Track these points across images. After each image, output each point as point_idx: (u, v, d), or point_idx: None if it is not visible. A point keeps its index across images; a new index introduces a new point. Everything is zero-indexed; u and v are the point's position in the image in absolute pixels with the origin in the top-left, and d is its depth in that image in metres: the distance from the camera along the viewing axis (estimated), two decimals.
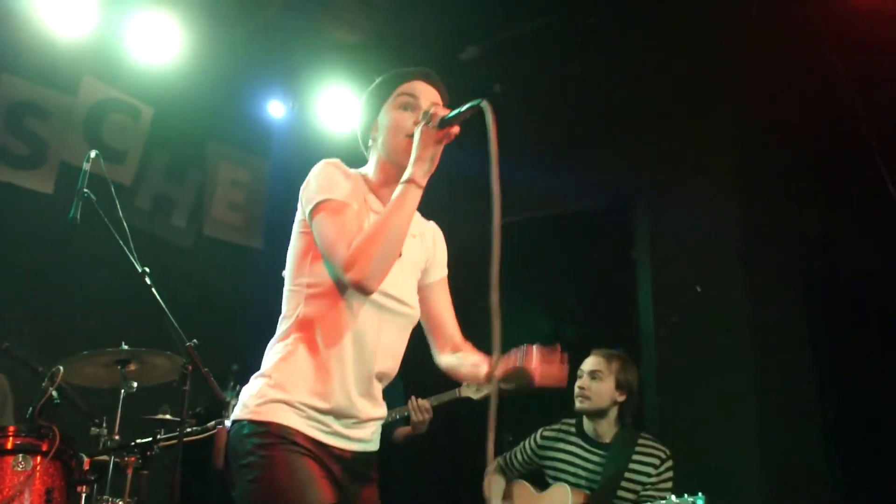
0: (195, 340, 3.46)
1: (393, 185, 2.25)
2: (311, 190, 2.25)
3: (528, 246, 5.94)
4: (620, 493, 3.88)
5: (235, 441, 2.20)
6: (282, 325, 2.30)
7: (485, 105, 2.11)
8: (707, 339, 4.98)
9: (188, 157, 6.09)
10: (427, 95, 2.36)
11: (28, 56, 5.10)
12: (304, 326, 2.24)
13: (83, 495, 3.61)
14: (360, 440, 2.30)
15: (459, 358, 2.46)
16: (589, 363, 4.11)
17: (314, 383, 2.20)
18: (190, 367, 3.37)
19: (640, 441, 4.00)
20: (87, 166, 3.79)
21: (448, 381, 4.49)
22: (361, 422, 2.29)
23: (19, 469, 3.44)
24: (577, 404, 4.08)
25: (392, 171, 2.32)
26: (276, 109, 6.16)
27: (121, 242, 3.60)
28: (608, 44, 5.35)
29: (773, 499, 4.53)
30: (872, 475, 4.39)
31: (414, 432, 4.52)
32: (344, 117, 5.97)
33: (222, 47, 5.52)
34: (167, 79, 5.42)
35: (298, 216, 2.32)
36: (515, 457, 4.30)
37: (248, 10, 5.40)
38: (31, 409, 3.52)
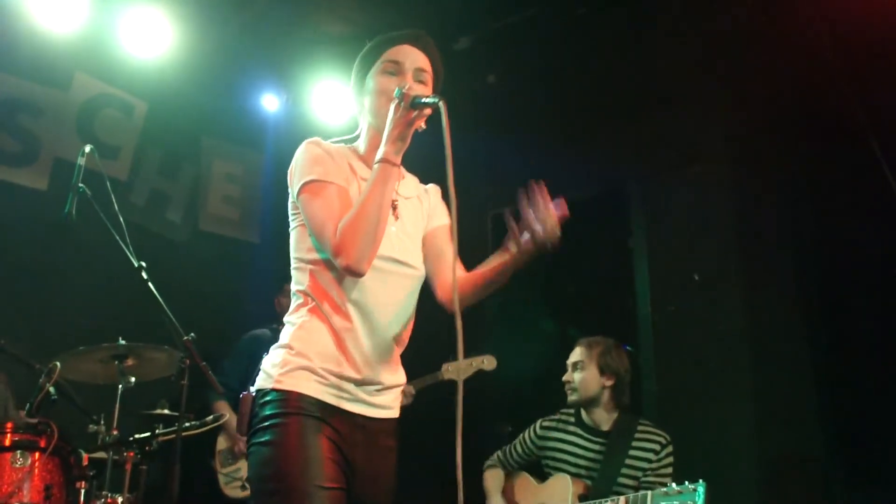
0: (192, 334, 3.46)
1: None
2: (295, 173, 2.31)
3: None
4: (621, 479, 3.88)
5: (256, 408, 2.24)
6: (294, 299, 2.36)
7: (441, 105, 2.15)
8: (704, 327, 4.99)
9: (182, 152, 6.07)
10: (413, 59, 2.38)
11: (19, 52, 5.07)
12: (314, 298, 2.29)
13: (82, 491, 3.62)
14: (382, 406, 2.34)
15: (468, 283, 2.45)
16: (572, 355, 4.18)
17: (334, 351, 2.25)
18: (187, 362, 3.37)
19: (640, 427, 4.00)
20: (81, 161, 3.79)
21: (426, 364, 4.54)
22: (384, 388, 2.33)
23: (18, 465, 3.44)
24: (569, 397, 4.13)
25: (379, 137, 2.29)
26: (269, 103, 6.15)
27: (117, 238, 3.59)
28: (601, 32, 5.34)
29: (769, 486, 4.55)
30: (869, 460, 4.40)
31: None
32: (338, 110, 5.97)
33: (215, 41, 5.51)
34: (160, 73, 5.40)
35: (290, 198, 2.37)
36: (515, 449, 4.30)
37: (240, 4, 5.38)
38: (28, 405, 3.52)
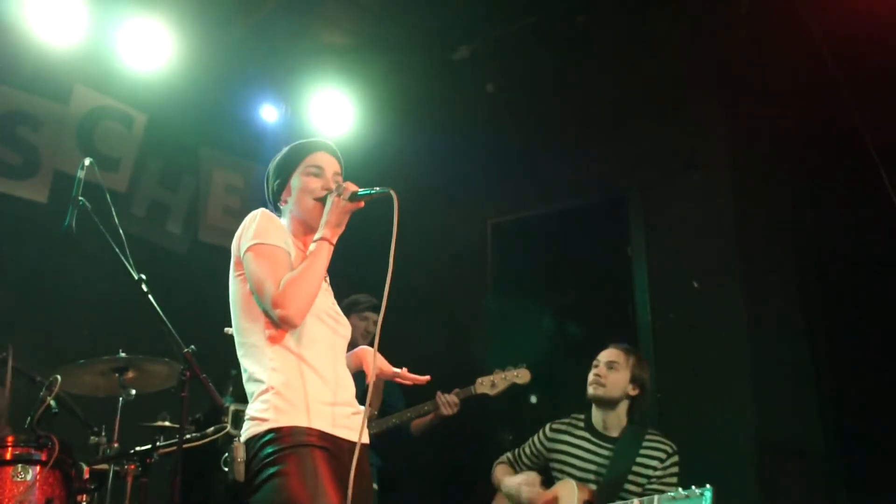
0: (193, 346, 3.45)
1: (303, 237, 2.72)
2: (247, 232, 2.58)
3: (523, 243, 5.95)
4: (627, 486, 3.89)
5: (255, 452, 2.41)
6: (251, 355, 2.58)
7: (393, 194, 2.54)
8: (704, 334, 4.98)
9: (182, 164, 6.07)
10: (329, 166, 2.77)
11: (18, 65, 5.08)
12: (278, 343, 2.54)
13: None
14: (356, 429, 2.54)
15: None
16: (606, 354, 4.16)
17: (316, 381, 2.52)
18: (188, 374, 3.36)
19: (648, 436, 4.03)
20: (81, 174, 3.78)
21: (455, 377, 4.54)
22: (355, 412, 2.60)
23: (19, 479, 3.43)
24: (591, 391, 4.10)
25: (302, 226, 2.74)
26: (268, 114, 6.15)
27: (116, 250, 3.58)
28: (600, 40, 5.35)
29: (771, 489, 4.54)
30: (870, 461, 4.39)
31: (435, 420, 4.57)
32: (337, 120, 5.98)
33: (214, 52, 5.52)
34: (159, 85, 5.41)
35: (232, 258, 2.65)
36: (524, 451, 4.32)
37: (239, 15, 5.39)
38: (29, 418, 3.51)
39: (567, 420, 4.25)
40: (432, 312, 5.71)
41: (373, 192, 2.60)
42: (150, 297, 3.52)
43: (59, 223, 3.68)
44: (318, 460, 2.37)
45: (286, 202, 2.79)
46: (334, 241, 2.61)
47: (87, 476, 3.65)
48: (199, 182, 6.18)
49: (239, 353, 2.63)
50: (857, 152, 4.44)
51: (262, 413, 2.45)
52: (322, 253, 2.56)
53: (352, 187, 2.63)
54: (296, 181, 2.76)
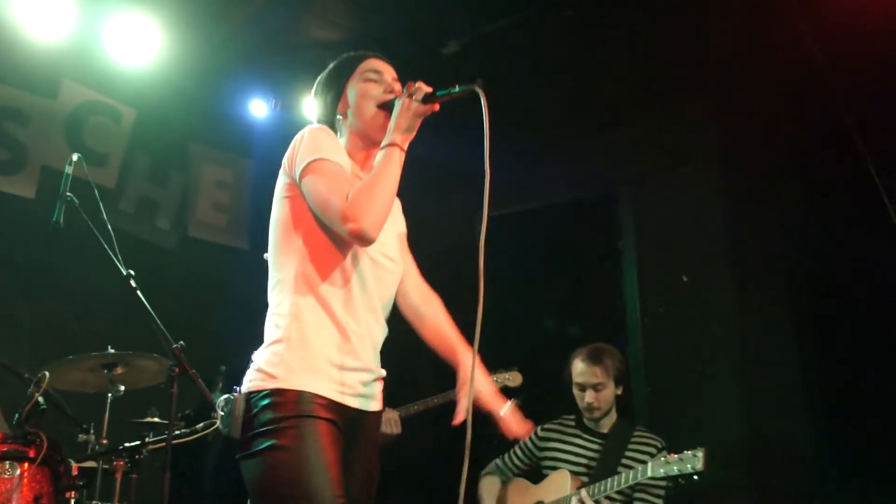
0: (182, 342, 3.43)
1: (363, 154, 2.46)
2: (301, 152, 2.30)
3: (513, 239, 5.94)
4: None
5: (255, 411, 2.18)
6: (279, 291, 2.32)
7: (479, 91, 2.27)
8: (694, 329, 5.00)
9: (171, 159, 6.05)
10: (389, 71, 2.53)
11: (6, 60, 5.05)
12: (308, 286, 2.27)
13: (72, 501, 3.59)
14: (374, 398, 2.36)
15: (428, 319, 2.60)
16: (588, 375, 4.10)
17: (336, 337, 2.25)
18: (177, 370, 3.35)
19: (636, 432, 4.11)
20: (69, 170, 3.77)
21: (436, 384, 4.53)
22: (375, 378, 2.37)
23: (6, 476, 3.41)
24: (588, 416, 4.15)
25: (362, 142, 2.47)
26: (258, 109, 6.13)
27: (105, 246, 3.57)
28: (589, 36, 5.35)
29: (761, 484, 4.56)
30: (859, 457, 4.41)
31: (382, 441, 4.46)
32: None
33: (203, 47, 5.49)
34: (148, 80, 5.38)
35: (282, 181, 2.38)
36: (515, 455, 4.33)
37: (228, 9, 5.36)
38: (17, 415, 3.50)
39: (557, 422, 4.29)
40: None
41: (454, 90, 2.33)
42: (138, 292, 3.51)
43: (47, 219, 3.66)
44: (322, 436, 2.13)
45: (344, 115, 2.50)
46: (405, 148, 2.32)
47: (75, 473, 3.63)
48: (188, 178, 6.16)
49: (269, 284, 2.37)
50: (846, 148, 4.45)
51: (270, 368, 2.21)
52: (394, 159, 2.27)
53: (425, 87, 2.35)
54: (353, 90, 2.49)
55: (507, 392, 4.43)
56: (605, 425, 4.16)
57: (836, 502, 4.43)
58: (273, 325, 2.29)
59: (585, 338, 4.33)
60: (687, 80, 5.21)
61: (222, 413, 2.26)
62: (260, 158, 6.31)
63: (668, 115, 5.32)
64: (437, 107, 2.35)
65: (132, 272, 3.56)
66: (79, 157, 3.80)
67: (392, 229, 2.49)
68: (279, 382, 2.18)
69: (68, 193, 3.71)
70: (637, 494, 3.92)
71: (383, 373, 2.41)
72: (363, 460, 2.32)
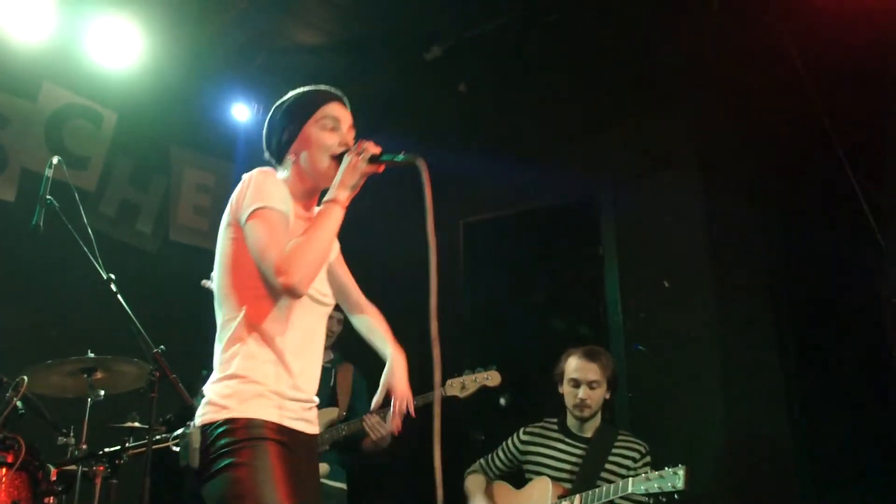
0: (162, 347, 3.43)
1: (307, 196, 2.56)
2: (247, 196, 2.40)
3: (494, 243, 5.96)
4: (599, 483, 3.91)
5: (211, 440, 2.32)
6: (227, 330, 2.45)
7: (420, 164, 2.39)
8: (675, 333, 5.02)
9: (152, 162, 6.02)
10: (346, 120, 2.60)
11: None
12: (253, 326, 2.41)
13: None
14: (313, 423, 2.53)
15: (367, 326, 2.85)
16: (586, 371, 4.11)
17: (281, 372, 2.41)
18: (158, 374, 3.34)
19: (620, 437, 4.10)
20: (49, 173, 3.75)
21: (427, 378, 4.53)
22: (313, 405, 2.53)
23: None
24: (578, 414, 4.12)
25: (310, 184, 2.56)
26: (240, 113, 6.12)
27: (85, 249, 3.56)
28: (571, 41, 5.37)
29: (741, 487, 4.58)
30: (839, 458, 4.45)
31: (375, 447, 4.49)
32: None
33: (184, 51, 5.47)
34: (129, 83, 5.36)
35: (227, 221, 2.48)
36: (497, 456, 4.34)
37: (210, 13, 5.35)
38: None
39: (540, 424, 4.29)
40: (403, 313, 5.70)
41: (397, 157, 2.42)
42: (119, 296, 3.50)
43: (27, 222, 3.64)
44: (272, 454, 2.29)
45: (296, 155, 2.56)
46: (346, 205, 2.42)
47: (54, 478, 3.61)
48: (169, 181, 6.13)
49: (217, 320, 2.51)
50: (825, 151, 4.49)
51: (222, 400, 2.35)
52: (333, 216, 2.39)
53: (373, 148, 2.45)
54: (309, 135, 2.55)
55: (486, 392, 4.46)
56: (590, 429, 4.15)
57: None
58: (223, 362, 2.43)
59: (568, 340, 4.33)
60: (666, 84, 5.24)
61: (178, 447, 2.45)
62: (242, 162, 6.28)
63: (648, 120, 5.35)
64: (381, 168, 2.46)
65: (112, 276, 3.55)
66: (59, 160, 3.78)
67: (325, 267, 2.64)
68: (231, 412, 2.33)
69: (48, 196, 3.69)
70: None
71: (317, 400, 2.56)
72: (310, 477, 2.49)
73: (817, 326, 4.71)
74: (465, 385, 4.34)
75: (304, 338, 2.47)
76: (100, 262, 3.56)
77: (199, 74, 5.75)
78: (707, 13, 4.79)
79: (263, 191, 2.38)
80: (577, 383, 4.11)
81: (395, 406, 2.66)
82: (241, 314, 2.41)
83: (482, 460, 4.39)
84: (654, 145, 5.31)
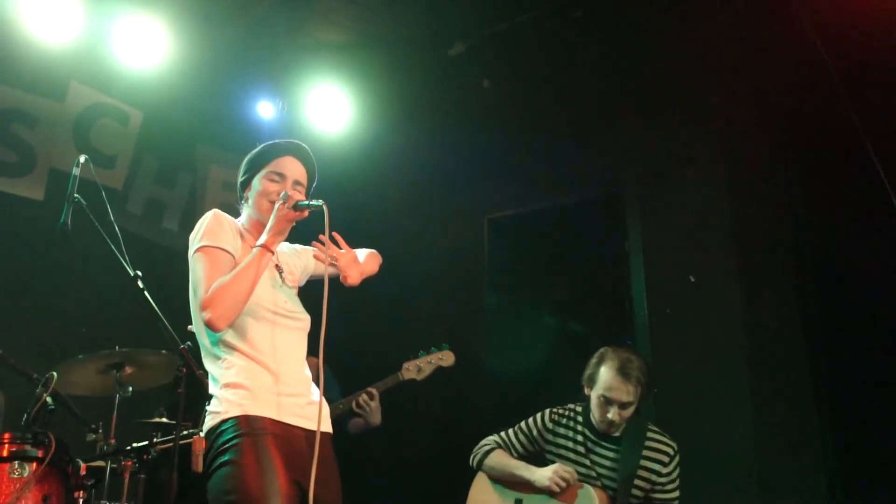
0: (189, 343, 3.44)
1: (258, 230, 2.87)
2: (199, 233, 2.75)
3: (519, 239, 5.95)
4: (636, 486, 3.77)
5: (210, 443, 2.61)
6: (212, 357, 2.77)
7: (325, 207, 2.73)
8: (701, 329, 4.98)
9: (178, 160, 6.07)
10: (293, 172, 2.97)
11: (14, 63, 5.07)
12: (235, 343, 2.71)
13: (80, 501, 3.60)
14: (310, 419, 2.71)
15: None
16: (620, 392, 3.75)
17: (265, 374, 2.70)
18: (184, 370, 3.36)
19: (650, 434, 3.87)
20: (76, 172, 3.77)
21: (384, 366, 4.55)
22: (310, 402, 2.76)
23: (15, 476, 3.44)
24: (605, 429, 3.85)
25: (258, 225, 2.91)
26: (265, 110, 6.15)
27: (112, 247, 3.58)
28: (596, 37, 5.35)
29: (768, 485, 4.54)
30: (869, 459, 4.40)
31: (368, 425, 4.65)
32: (333, 116, 5.98)
33: (210, 49, 5.51)
34: (155, 82, 5.40)
35: (189, 253, 2.79)
36: (518, 436, 4.08)
37: (235, 12, 5.39)
38: (25, 416, 3.51)
39: (566, 411, 4.03)
40: (429, 309, 5.72)
41: (310, 203, 2.77)
42: (146, 293, 3.52)
43: (55, 221, 3.66)
44: (268, 445, 2.54)
45: (247, 200, 2.99)
46: (273, 249, 2.76)
47: (83, 472, 3.64)
48: (195, 179, 6.17)
49: (202, 350, 2.81)
50: (853, 149, 4.44)
51: (217, 407, 2.64)
52: (256, 259, 2.70)
53: (296, 196, 2.81)
54: (257, 183, 2.96)
55: (441, 371, 4.52)
56: (618, 428, 3.87)
57: (844, 503, 4.42)
58: (211, 381, 2.76)
59: (593, 337, 4.29)
60: (693, 80, 5.21)
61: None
62: None
63: (674, 115, 5.31)
64: (305, 213, 2.79)
65: (140, 273, 3.57)
66: (86, 159, 3.81)
67: (291, 286, 2.98)
68: (227, 414, 2.60)
69: (76, 195, 3.71)
70: (656, 495, 3.81)
71: (317, 399, 2.78)
72: (319, 470, 2.56)
73: (846, 321, 4.66)
74: (420, 367, 4.49)
75: (271, 346, 2.74)
76: (127, 259, 3.58)
77: (224, 73, 5.79)
78: (734, 9, 4.75)
79: (212, 231, 2.74)
80: (608, 401, 3.79)
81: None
82: (221, 338, 2.70)
83: (496, 437, 4.12)
84: (680, 141, 5.28)
